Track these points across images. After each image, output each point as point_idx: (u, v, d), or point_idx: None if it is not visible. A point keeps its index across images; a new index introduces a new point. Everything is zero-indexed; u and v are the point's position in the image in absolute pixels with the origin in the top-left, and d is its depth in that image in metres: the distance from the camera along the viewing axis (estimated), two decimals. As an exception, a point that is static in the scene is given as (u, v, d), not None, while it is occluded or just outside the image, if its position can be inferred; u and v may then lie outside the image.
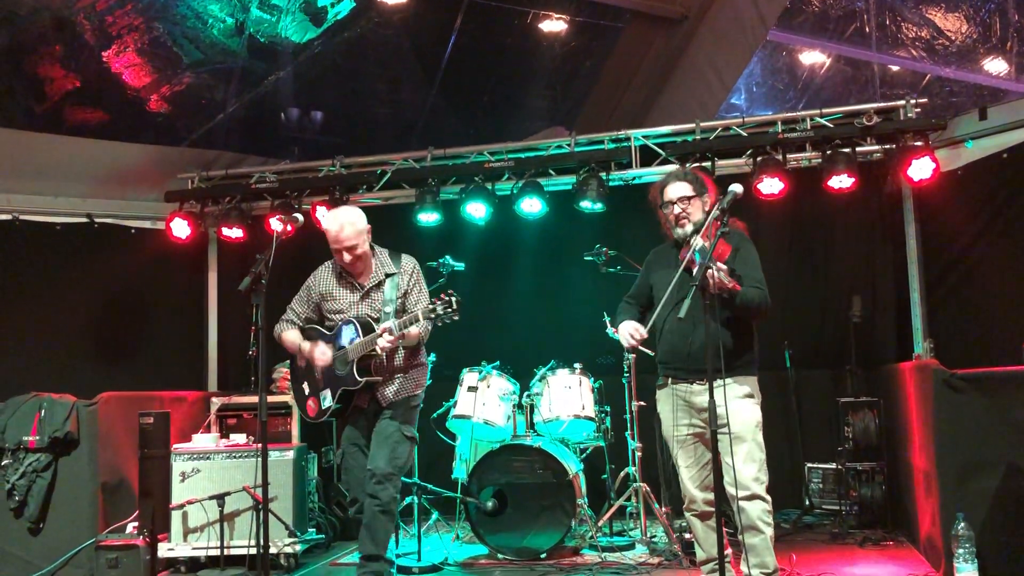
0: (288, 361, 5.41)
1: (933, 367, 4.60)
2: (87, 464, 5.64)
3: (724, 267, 3.71)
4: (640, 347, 4.20)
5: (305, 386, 4.65)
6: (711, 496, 4.03)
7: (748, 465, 3.92)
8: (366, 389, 4.46)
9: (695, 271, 3.66)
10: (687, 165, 6.46)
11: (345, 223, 4.44)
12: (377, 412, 4.53)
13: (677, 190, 4.18)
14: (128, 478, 5.84)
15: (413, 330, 4.39)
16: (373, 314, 4.49)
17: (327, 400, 4.51)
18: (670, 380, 4.17)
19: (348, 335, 4.46)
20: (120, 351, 7.36)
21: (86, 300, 7.26)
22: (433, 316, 4.20)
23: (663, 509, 5.75)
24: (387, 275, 4.55)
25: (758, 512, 3.91)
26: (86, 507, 5.61)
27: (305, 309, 4.68)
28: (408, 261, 4.64)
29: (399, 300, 4.52)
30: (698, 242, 3.84)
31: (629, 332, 4.11)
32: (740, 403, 3.97)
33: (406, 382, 4.56)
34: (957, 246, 6.31)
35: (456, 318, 4.21)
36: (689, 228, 4.10)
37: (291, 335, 4.66)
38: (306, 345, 4.56)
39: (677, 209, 4.14)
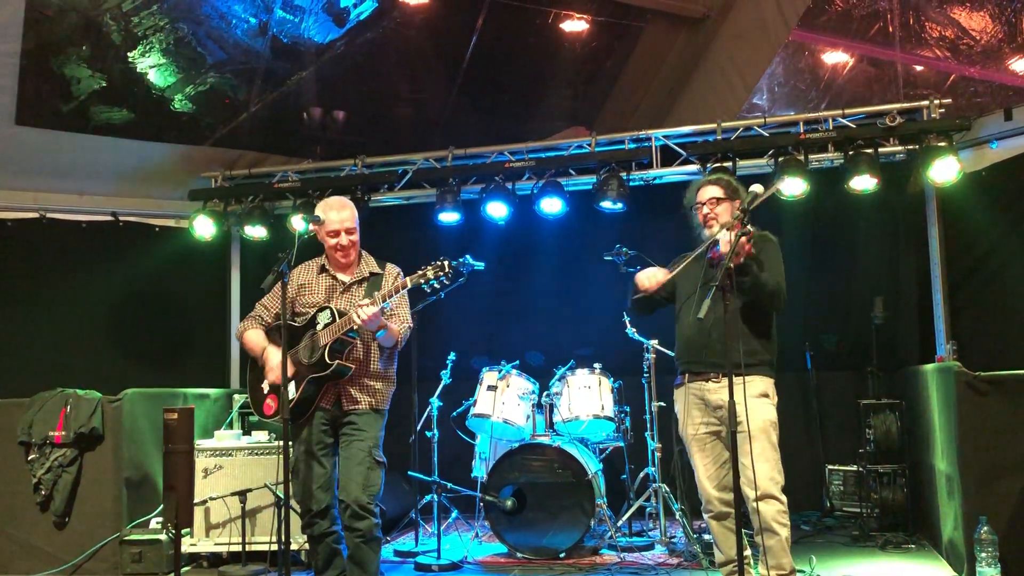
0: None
1: (956, 369, 4.56)
2: (111, 459, 5.72)
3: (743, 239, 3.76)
4: (653, 294, 4.19)
5: (264, 385, 4.33)
6: (728, 496, 4.01)
7: (762, 465, 3.89)
8: (333, 386, 4.20)
9: (720, 262, 3.69)
10: (708, 165, 6.47)
11: (350, 207, 4.37)
12: (341, 419, 4.24)
13: (707, 192, 4.27)
14: (151, 474, 5.92)
15: (393, 326, 4.21)
16: (351, 309, 4.16)
17: (290, 393, 4.14)
18: (686, 377, 4.17)
19: (322, 320, 4.21)
20: (144, 348, 7.44)
21: (111, 297, 7.35)
22: (423, 280, 4.03)
23: (682, 508, 5.74)
24: (371, 274, 4.40)
25: (773, 513, 3.90)
26: (110, 502, 5.69)
27: (277, 305, 4.34)
28: (393, 267, 4.46)
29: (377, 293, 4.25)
30: (724, 234, 3.90)
31: (646, 275, 4.16)
32: (755, 402, 3.96)
33: (376, 392, 4.28)
34: (981, 248, 6.27)
35: (447, 283, 4.05)
36: (716, 229, 4.12)
37: (253, 335, 4.39)
38: (271, 350, 4.28)
39: (706, 210, 4.22)
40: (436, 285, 4.07)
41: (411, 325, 4.38)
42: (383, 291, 4.13)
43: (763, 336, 4.11)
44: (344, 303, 4.29)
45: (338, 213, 4.32)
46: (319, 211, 4.37)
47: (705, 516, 4.20)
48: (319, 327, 4.21)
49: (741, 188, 4.24)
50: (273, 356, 4.26)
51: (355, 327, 4.05)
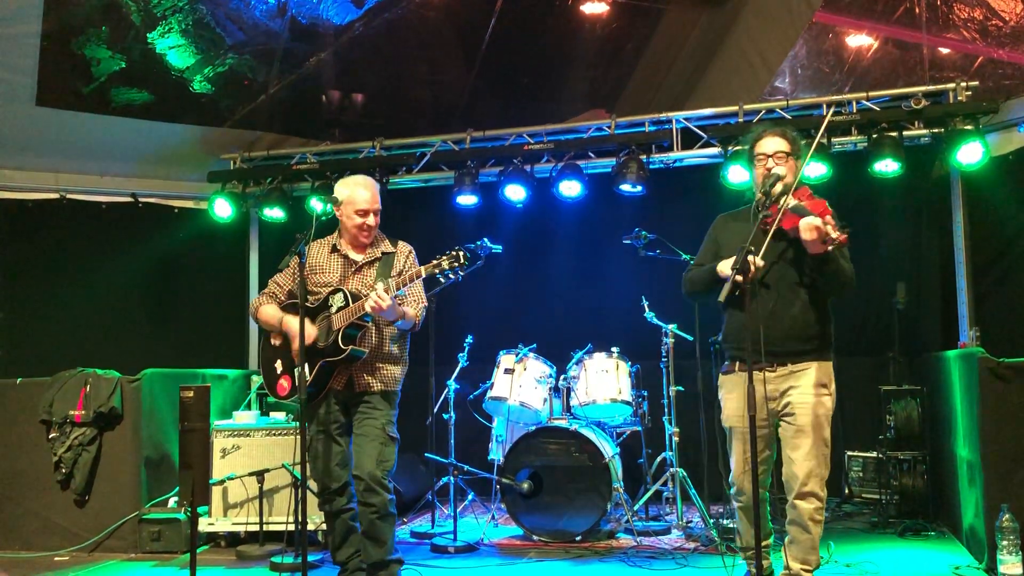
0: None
1: (979, 355, 4.52)
2: (131, 439, 5.77)
3: (831, 221, 3.50)
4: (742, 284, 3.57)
5: (278, 364, 4.33)
6: (763, 491, 3.90)
7: (808, 461, 3.73)
8: (345, 369, 4.19)
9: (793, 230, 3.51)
10: (729, 148, 6.39)
11: (376, 186, 4.35)
12: (353, 400, 4.24)
13: (773, 144, 3.87)
14: (170, 453, 5.96)
15: (410, 310, 4.19)
16: (364, 289, 4.17)
17: (305, 375, 4.07)
18: (737, 365, 3.90)
19: (336, 303, 4.17)
20: (163, 329, 7.50)
21: (130, 278, 7.40)
22: (437, 270, 3.98)
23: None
24: (384, 254, 4.36)
25: (810, 511, 3.75)
26: (129, 480, 5.74)
27: (290, 283, 4.36)
28: (404, 245, 4.44)
29: (392, 278, 4.16)
30: (791, 202, 3.63)
31: (737, 264, 3.55)
32: (811, 393, 3.76)
33: (388, 375, 4.27)
34: (1007, 233, 6.17)
35: (462, 274, 3.99)
36: (779, 188, 3.74)
37: (269, 309, 4.36)
38: (289, 317, 4.21)
39: (770, 164, 3.82)
40: (451, 276, 4.03)
41: (426, 304, 4.36)
42: (398, 277, 4.08)
43: (823, 318, 3.84)
44: (357, 284, 4.26)
45: (367, 192, 4.29)
46: (343, 188, 4.32)
47: (736, 504, 4.06)
48: (332, 310, 4.17)
49: (802, 146, 3.94)
50: (292, 323, 4.19)
51: (369, 313, 4.02)
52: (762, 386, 3.74)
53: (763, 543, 3.96)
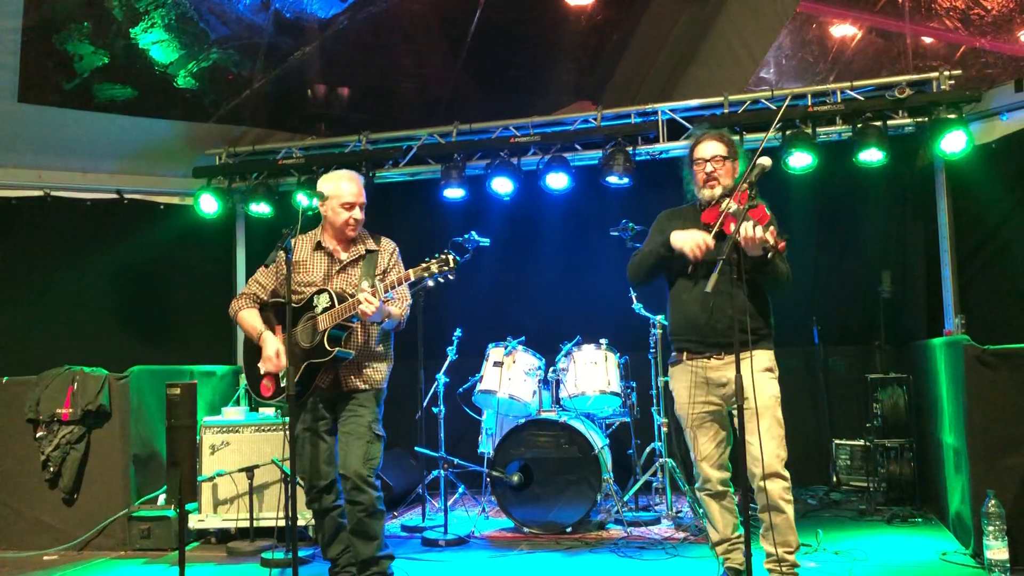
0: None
1: (964, 343, 4.54)
2: (119, 436, 5.75)
3: (771, 227, 3.57)
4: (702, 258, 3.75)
5: (261, 366, 4.28)
6: (727, 475, 3.97)
7: (769, 442, 3.79)
8: (330, 368, 4.16)
9: (730, 237, 3.55)
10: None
11: (360, 181, 4.33)
12: (339, 399, 4.23)
13: (711, 148, 3.97)
14: (158, 451, 5.94)
15: (395, 310, 4.16)
16: (349, 289, 4.16)
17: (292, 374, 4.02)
18: (685, 355, 3.99)
19: (321, 304, 4.13)
20: (150, 325, 7.46)
21: (116, 275, 7.35)
22: (426, 274, 3.94)
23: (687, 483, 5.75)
24: (368, 251, 4.33)
25: (779, 491, 3.79)
26: (118, 478, 5.72)
27: (272, 281, 4.35)
28: (388, 242, 4.40)
29: (378, 278, 4.16)
30: (732, 206, 3.69)
31: (696, 242, 3.73)
32: (760, 377, 3.81)
33: (374, 373, 4.25)
34: (990, 221, 6.21)
35: (452, 278, 3.96)
36: (718, 191, 3.90)
37: (249, 317, 4.32)
38: (267, 335, 4.23)
39: (709, 168, 3.93)
40: (440, 280, 3.98)
41: (411, 302, 4.33)
42: (384, 281, 4.04)
43: (763, 309, 3.96)
44: (342, 283, 4.23)
45: (353, 185, 4.27)
46: (327, 183, 4.29)
47: (701, 495, 4.06)
48: (318, 311, 4.14)
49: (739, 149, 4.05)
50: (270, 344, 4.20)
51: (356, 314, 3.99)
52: (710, 373, 3.90)
53: (734, 535, 4.01)
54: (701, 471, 4.02)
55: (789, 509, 3.82)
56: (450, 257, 3.94)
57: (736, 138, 4.00)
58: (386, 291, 3.99)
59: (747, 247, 3.63)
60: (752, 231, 3.57)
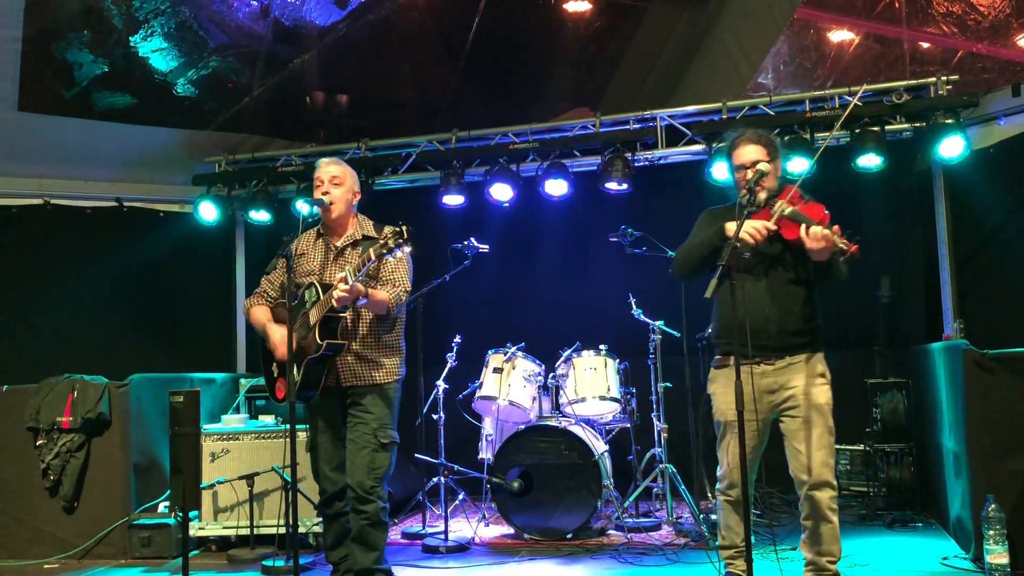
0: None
1: (964, 347, 4.55)
2: (119, 444, 5.75)
3: (837, 230, 3.50)
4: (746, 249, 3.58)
5: (274, 367, 4.29)
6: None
7: (819, 451, 3.72)
8: (334, 365, 4.14)
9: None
10: (714, 145, 6.41)
11: (339, 163, 4.34)
12: (344, 397, 4.20)
13: (749, 153, 3.88)
14: (159, 458, 5.94)
15: (380, 294, 4.08)
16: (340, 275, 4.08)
17: (294, 378, 4.02)
18: (732, 359, 3.74)
19: (309, 298, 4.13)
20: (150, 333, 7.46)
21: (116, 283, 7.35)
22: (386, 251, 3.86)
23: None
24: (364, 237, 4.30)
25: (827, 500, 3.73)
26: (119, 486, 5.72)
27: (279, 275, 4.38)
28: (390, 229, 4.23)
29: (373, 264, 4.05)
30: (786, 208, 3.62)
31: (756, 227, 3.60)
32: (812, 383, 3.76)
33: (380, 367, 4.19)
34: (988, 225, 6.22)
35: (408, 249, 3.88)
36: (764, 195, 3.78)
37: (258, 313, 4.36)
38: (271, 326, 4.26)
39: (751, 173, 3.80)
40: (399, 253, 3.90)
41: (408, 288, 4.24)
42: (355, 264, 3.97)
43: (814, 312, 3.86)
44: (338, 269, 4.20)
45: (324, 166, 4.30)
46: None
47: (720, 499, 3.99)
48: (308, 306, 4.13)
49: (778, 146, 3.96)
50: (275, 333, 4.23)
51: (337, 302, 3.94)
52: (759, 379, 3.76)
53: (742, 543, 3.90)
54: (729, 476, 3.93)
55: (835, 519, 3.78)
56: (404, 228, 3.86)
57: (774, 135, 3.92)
58: (355, 273, 3.91)
59: (813, 250, 3.56)
60: (821, 233, 3.50)
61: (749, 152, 3.88)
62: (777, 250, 3.82)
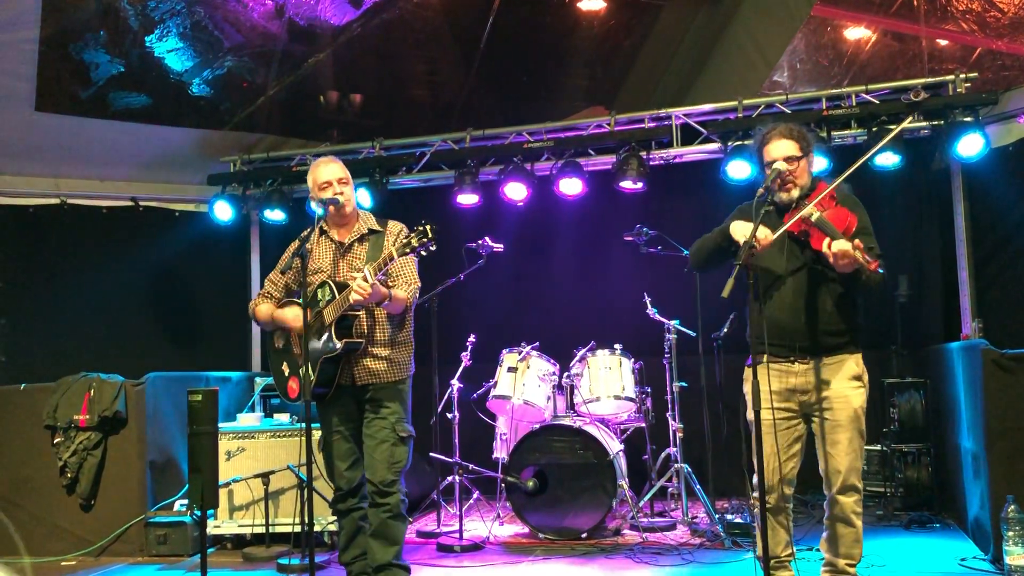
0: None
1: (983, 347, 4.51)
2: (135, 442, 5.78)
3: (858, 242, 3.40)
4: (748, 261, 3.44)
5: (284, 367, 4.33)
6: (790, 491, 3.79)
7: (849, 455, 3.66)
8: (348, 362, 4.15)
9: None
10: (729, 144, 6.38)
11: (336, 162, 4.32)
12: (360, 395, 4.20)
13: (781, 148, 3.74)
14: (175, 456, 5.97)
15: (399, 292, 4.11)
16: (353, 272, 4.14)
17: (309, 376, 4.06)
18: (765, 358, 3.66)
19: (323, 297, 4.13)
20: (166, 332, 7.50)
21: (132, 282, 7.39)
22: (409, 250, 3.87)
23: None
24: (370, 231, 4.31)
25: (852, 505, 3.68)
26: (135, 484, 5.76)
27: (283, 278, 4.41)
28: (396, 224, 4.37)
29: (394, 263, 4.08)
30: (813, 214, 3.54)
31: (756, 236, 3.43)
32: (847, 386, 3.68)
33: (393, 362, 4.21)
34: (1008, 224, 6.17)
35: (433, 248, 3.86)
36: (796, 192, 3.70)
37: (264, 308, 4.39)
38: (283, 311, 4.29)
39: (783, 168, 3.68)
40: (422, 252, 3.89)
41: (419, 284, 4.27)
42: (376, 261, 3.99)
43: (853, 306, 3.77)
44: (345, 268, 4.23)
45: (324, 166, 4.29)
46: (308, 177, 4.32)
47: (756, 505, 3.80)
48: (321, 304, 4.14)
49: (812, 139, 3.84)
50: (286, 313, 4.27)
51: (354, 303, 3.96)
52: (792, 379, 3.72)
53: (785, 554, 3.83)
54: (767, 481, 3.73)
55: (859, 523, 3.72)
56: (428, 227, 3.85)
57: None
58: (375, 272, 3.93)
59: (835, 264, 3.48)
60: (841, 251, 3.40)
61: (781, 148, 3.75)
62: (810, 252, 3.74)
